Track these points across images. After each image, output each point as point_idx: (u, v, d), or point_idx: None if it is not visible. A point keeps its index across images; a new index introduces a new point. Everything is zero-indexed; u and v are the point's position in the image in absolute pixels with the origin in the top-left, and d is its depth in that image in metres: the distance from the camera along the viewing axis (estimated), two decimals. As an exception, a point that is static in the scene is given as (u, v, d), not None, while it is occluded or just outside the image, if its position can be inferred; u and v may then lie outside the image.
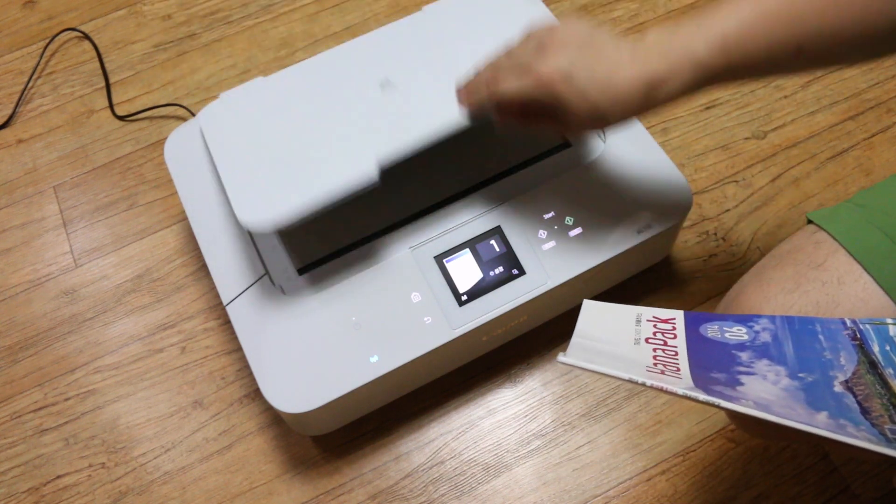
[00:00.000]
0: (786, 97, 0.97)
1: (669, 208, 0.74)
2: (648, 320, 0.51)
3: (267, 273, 0.71)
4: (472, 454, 0.77)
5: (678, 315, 0.51)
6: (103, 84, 1.02)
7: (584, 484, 0.75)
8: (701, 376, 0.45)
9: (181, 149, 0.80)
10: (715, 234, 0.88)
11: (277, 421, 0.79)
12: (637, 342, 0.49)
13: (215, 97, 0.77)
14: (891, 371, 0.45)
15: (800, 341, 0.48)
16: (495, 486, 0.76)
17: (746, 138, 0.94)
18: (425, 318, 0.69)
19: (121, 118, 0.99)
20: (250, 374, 0.79)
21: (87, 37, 1.05)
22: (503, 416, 0.79)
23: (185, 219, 0.90)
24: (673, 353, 0.47)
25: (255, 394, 0.81)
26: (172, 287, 0.87)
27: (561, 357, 0.45)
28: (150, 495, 0.76)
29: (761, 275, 0.57)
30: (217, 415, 0.80)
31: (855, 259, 0.54)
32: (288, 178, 0.68)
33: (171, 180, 0.83)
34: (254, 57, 1.03)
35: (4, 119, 1.00)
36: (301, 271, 0.71)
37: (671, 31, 0.55)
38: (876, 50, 0.55)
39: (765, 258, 0.58)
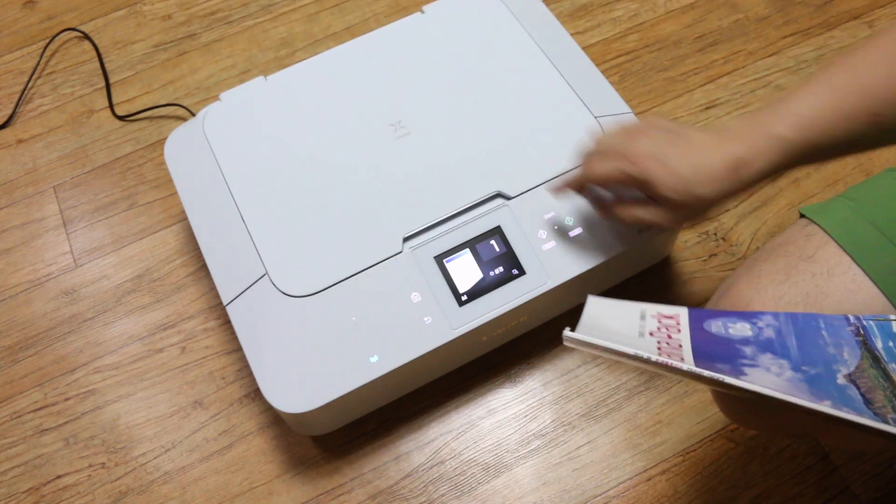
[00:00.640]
0: (786, 97, 0.97)
1: (669, 208, 0.74)
2: (652, 316, 0.51)
3: (267, 273, 0.71)
4: (472, 454, 0.77)
5: (682, 311, 0.51)
6: (103, 84, 1.02)
7: (584, 484, 0.75)
8: (705, 367, 0.45)
9: (181, 149, 0.80)
10: (715, 234, 0.88)
11: (277, 421, 0.79)
12: (641, 335, 0.49)
13: (215, 97, 0.77)
14: (894, 366, 0.46)
15: (803, 337, 0.48)
16: (495, 486, 0.76)
17: (746, 138, 0.94)
18: (425, 318, 0.69)
19: (121, 118, 0.99)
20: (250, 374, 0.79)
21: (87, 37, 1.05)
22: (503, 416, 0.79)
23: (185, 219, 0.90)
24: (677, 346, 0.48)
25: (255, 394, 0.81)
26: (172, 287, 0.87)
27: (566, 332, 0.46)
28: (150, 495, 0.76)
29: (753, 267, 0.57)
30: (217, 415, 0.80)
31: (845, 251, 0.55)
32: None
33: (171, 180, 0.83)
34: (254, 57, 1.03)
35: (4, 119, 1.00)
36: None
37: (751, 117, 0.58)
38: None
39: (757, 252, 0.59)
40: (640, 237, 0.73)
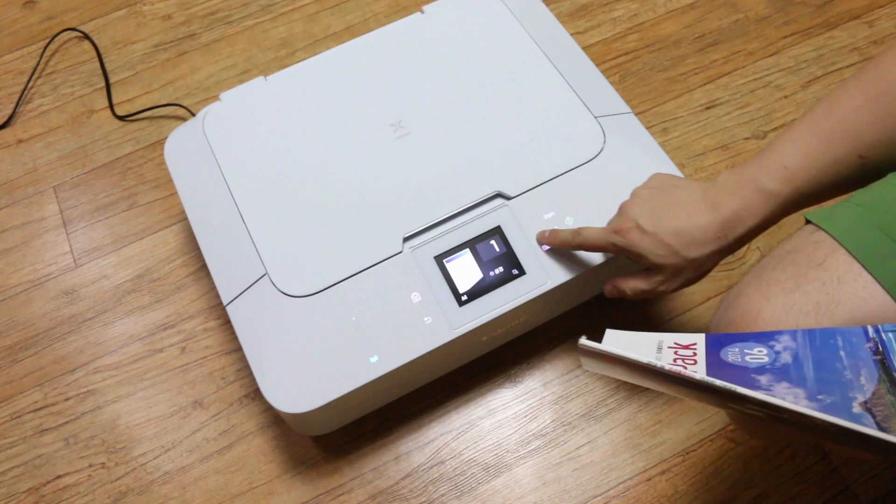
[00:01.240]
0: (786, 97, 0.97)
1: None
2: (669, 347, 0.51)
3: (267, 273, 0.71)
4: (472, 454, 0.77)
5: (699, 339, 0.51)
6: (103, 84, 1.02)
7: (584, 484, 0.75)
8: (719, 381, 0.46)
9: (181, 149, 0.80)
10: (715, 234, 0.88)
11: (277, 421, 0.79)
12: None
13: (215, 97, 0.77)
14: None
15: (820, 360, 0.48)
16: (495, 486, 0.76)
17: (746, 138, 0.94)
18: (425, 318, 0.69)
19: (121, 118, 0.99)
20: (250, 374, 0.79)
21: (87, 37, 1.05)
22: (503, 416, 0.79)
23: (185, 219, 0.90)
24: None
25: (255, 394, 0.81)
26: (172, 287, 0.87)
27: (583, 340, 0.47)
28: (150, 495, 0.76)
29: (761, 276, 0.57)
30: (217, 415, 0.80)
31: (854, 258, 0.54)
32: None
33: (171, 180, 0.83)
34: (254, 57, 1.03)
35: (4, 119, 1.00)
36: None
37: (738, 171, 0.60)
38: None
39: (764, 259, 0.59)
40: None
